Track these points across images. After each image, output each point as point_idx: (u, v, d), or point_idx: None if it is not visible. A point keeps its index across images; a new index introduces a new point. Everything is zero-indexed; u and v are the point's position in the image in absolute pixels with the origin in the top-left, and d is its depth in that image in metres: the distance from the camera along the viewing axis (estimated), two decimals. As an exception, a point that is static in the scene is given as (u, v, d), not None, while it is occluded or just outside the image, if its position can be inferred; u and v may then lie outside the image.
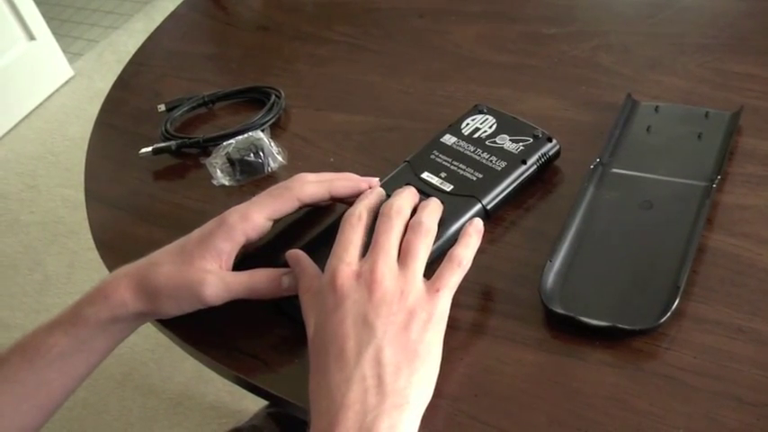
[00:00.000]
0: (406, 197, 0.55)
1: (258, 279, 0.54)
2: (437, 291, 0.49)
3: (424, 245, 0.51)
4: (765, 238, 0.55)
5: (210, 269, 0.54)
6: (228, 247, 0.55)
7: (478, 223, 0.54)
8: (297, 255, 0.55)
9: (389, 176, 0.62)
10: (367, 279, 0.49)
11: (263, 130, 0.72)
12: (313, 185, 0.58)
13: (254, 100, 0.79)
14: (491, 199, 0.59)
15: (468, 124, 0.65)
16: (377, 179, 0.60)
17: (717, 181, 0.57)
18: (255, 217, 0.56)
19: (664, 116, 0.65)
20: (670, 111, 0.65)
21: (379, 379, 0.45)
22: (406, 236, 0.52)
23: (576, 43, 0.77)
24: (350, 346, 0.46)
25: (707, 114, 0.64)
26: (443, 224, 0.56)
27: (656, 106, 0.66)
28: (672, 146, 0.62)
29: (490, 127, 0.64)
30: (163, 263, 0.55)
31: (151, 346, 1.55)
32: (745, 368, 0.47)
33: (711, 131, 0.62)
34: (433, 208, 0.54)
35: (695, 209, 0.56)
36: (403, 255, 0.51)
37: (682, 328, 0.50)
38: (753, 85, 0.67)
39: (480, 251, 0.57)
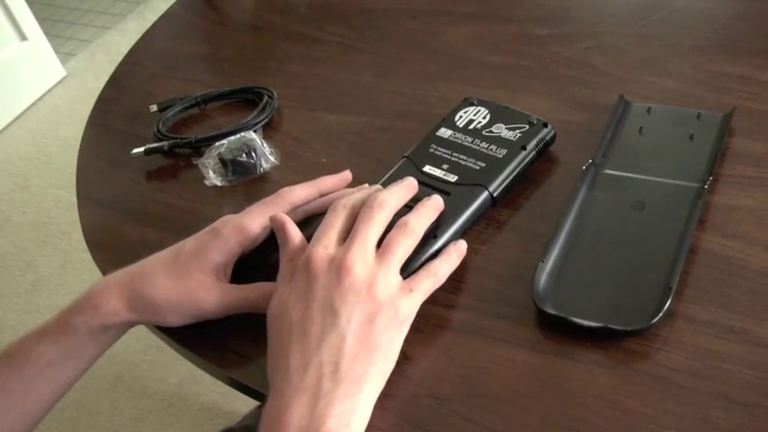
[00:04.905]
0: (396, 193, 0.53)
1: (257, 293, 0.54)
2: (410, 291, 0.49)
3: (404, 244, 0.50)
4: (756, 238, 0.55)
5: (210, 284, 0.54)
6: (225, 261, 0.56)
7: (462, 245, 0.55)
8: (282, 221, 0.54)
9: (391, 173, 0.62)
10: (338, 265, 0.48)
11: (255, 131, 0.72)
12: (301, 187, 0.59)
13: (246, 100, 0.78)
14: (497, 186, 0.60)
15: (461, 117, 0.65)
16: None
17: (708, 182, 0.57)
18: (250, 228, 0.56)
19: (656, 117, 0.65)
20: (662, 112, 0.65)
21: (336, 366, 0.45)
22: (390, 233, 0.51)
23: (568, 44, 0.77)
24: (313, 331, 0.47)
25: (699, 116, 0.64)
26: (452, 215, 0.57)
27: (649, 107, 0.66)
28: (664, 147, 0.62)
29: (484, 117, 0.65)
30: (157, 274, 0.54)
31: (143, 347, 1.54)
32: (736, 368, 0.48)
33: (703, 133, 0.62)
34: (426, 212, 0.53)
35: (687, 210, 0.56)
36: (381, 248, 0.50)
37: (673, 329, 0.50)
38: (745, 86, 0.67)
39: (473, 252, 0.57)
